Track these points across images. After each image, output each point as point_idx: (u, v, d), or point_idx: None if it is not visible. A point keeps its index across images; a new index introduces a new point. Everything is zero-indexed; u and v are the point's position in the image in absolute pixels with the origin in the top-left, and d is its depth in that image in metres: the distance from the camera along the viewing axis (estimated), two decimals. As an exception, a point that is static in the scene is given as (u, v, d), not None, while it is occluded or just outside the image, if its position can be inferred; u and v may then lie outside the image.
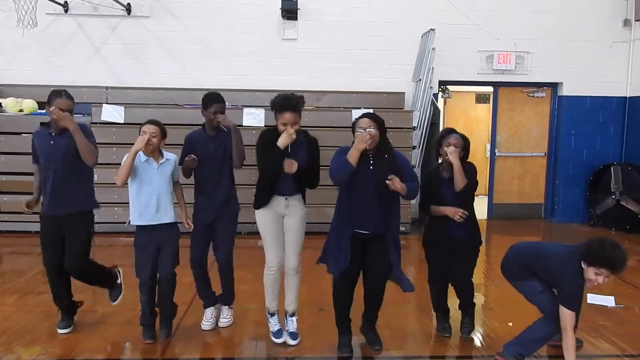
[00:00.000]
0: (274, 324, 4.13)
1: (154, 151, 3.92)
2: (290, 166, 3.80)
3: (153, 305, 4.03)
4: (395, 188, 3.62)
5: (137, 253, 3.99)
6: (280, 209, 3.96)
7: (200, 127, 4.25)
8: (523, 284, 3.79)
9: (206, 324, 4.28)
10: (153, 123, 3.96)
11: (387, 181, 3.61)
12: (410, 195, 3.76)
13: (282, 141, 3.76)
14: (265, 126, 7.29)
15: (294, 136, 3.78)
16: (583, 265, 3.40)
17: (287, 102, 3.80)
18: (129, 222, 3.99)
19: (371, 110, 7.66)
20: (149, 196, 3.89)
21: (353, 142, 3.72)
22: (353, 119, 7.65)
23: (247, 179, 7.18)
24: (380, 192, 3.69)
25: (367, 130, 3.65)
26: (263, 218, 3.98)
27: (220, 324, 4.33)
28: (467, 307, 4.32)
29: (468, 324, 4.29)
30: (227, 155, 4.17)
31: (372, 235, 3.77)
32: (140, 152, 3.85)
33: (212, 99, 4.14)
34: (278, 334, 4.09)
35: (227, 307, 4.42)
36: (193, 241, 4.24)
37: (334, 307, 3.92)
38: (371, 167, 3.70)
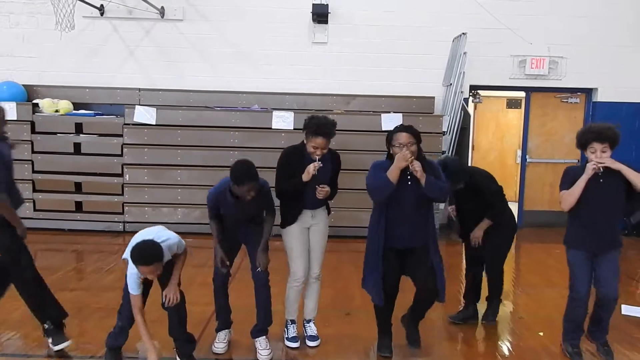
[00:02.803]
0: (292, 331, 4.16)
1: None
2: (323, 192, 3.86)
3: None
4: (414, 169, 3.58)
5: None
6: (307, 221, 4.03)
7: None
8: None
9: (219, 344, 3.97)
10: (148, 262, 3.34)
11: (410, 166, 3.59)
12: (433, 191, 3.64)
13: (307, 177, 3.82)
14: (294, 129, 7.33)
15: (316, 173, 3.83)
16: None
17: (322, 129, 3.81)
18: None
19: (400, 115, 7.68)
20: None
21: (387, 153, 3.75)
22: (382, 123, 7.73)
23: (272, 182, 7.23)
24: (418, 207, 3.70)
25: (408, 147, 3.62)
26: (291, 234, 4.02)
27: (262, 357, 3.89)
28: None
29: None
30: None
31: (409, 248, 3.77)
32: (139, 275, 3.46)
33: None
34: (294, 339, 4.13)
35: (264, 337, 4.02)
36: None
37: (375, 313, 3.95)
38: (409, 182, 3.67)
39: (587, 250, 3.80)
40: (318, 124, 3.82)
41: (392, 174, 3.59)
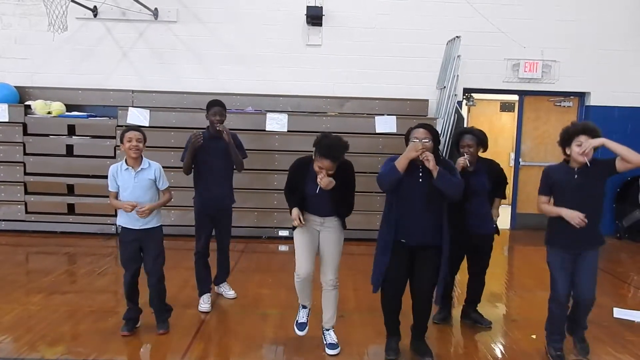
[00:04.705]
0: (302, 315, 4.15)
1: (138, 157, 4.08)
2: (324, 180, 3.69)
3: (135, 297, 4.23)
4: (426, 159, 3.52)
5: (121, 249, 4.21)
6: (315, 225, 3.97)
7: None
8: None
9: (204, 305, 4.75)
10: (134, 129, 4.11)
11: (420, 156, 3.54)
12: (445, 184, 3.57)
13: (295, 224, 3.83)
14: (287, 131, 7.31)
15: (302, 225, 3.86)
16: None
17: (330, 152, 3.65)
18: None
19: (394, 118, 7.70)
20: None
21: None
22: (376, 126, 7.74)
23: (267, 184, 7.21)
24: (429, 204, 3.65)
25: (423, 141, 3.61)
26: (299, 232, 3.98)
27: (229, 296, 4.97)
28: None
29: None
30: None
31: (420, 246, 3.72)
32: (123, 162, 4.10)
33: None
34: (302, 326, 4.13)
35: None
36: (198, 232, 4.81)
37: (382, 311, 3.92)
38: (420, 180, 3.65)
39: (568, 250, 3.83)
40: (329, 146, 3.67)
41: (401, 162, 3.57)
